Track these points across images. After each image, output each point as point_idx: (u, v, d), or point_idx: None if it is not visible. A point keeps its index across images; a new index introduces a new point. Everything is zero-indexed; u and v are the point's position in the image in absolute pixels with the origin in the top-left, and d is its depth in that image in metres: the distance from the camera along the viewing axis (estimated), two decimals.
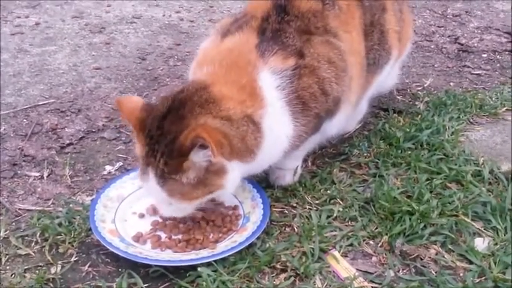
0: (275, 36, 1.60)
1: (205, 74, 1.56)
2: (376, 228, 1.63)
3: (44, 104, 2.22)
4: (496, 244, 1.56)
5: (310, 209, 1.69)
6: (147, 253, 1.49)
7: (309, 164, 1.88)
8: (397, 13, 1.91)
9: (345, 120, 1.81)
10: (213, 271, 1.46)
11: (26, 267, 1.50)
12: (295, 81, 1.57)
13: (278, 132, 1.56)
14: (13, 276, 1.47)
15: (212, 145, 1.38)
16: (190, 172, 1.43)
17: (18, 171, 1.86)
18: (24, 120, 2.12)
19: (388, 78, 2.01)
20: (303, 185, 1.77)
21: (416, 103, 2.24)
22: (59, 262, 1.51)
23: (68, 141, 2.01)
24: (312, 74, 1.59)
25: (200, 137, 1.37)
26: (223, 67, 1.55)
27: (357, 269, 1.50)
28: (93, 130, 2.08)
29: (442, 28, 2.99)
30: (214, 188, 1.48)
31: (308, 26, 1.64)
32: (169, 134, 1.42)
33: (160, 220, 1.63)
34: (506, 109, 2.19)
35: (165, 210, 1.55)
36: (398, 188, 1.74)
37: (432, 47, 2.78)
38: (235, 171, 1.50)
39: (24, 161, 1.91)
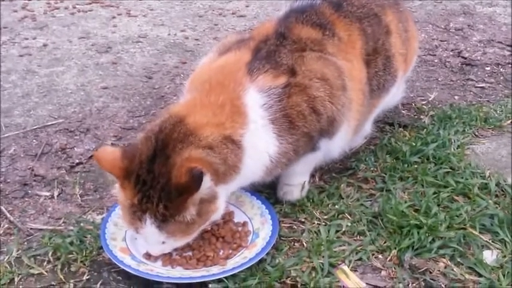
0: (269, 56, 1.62)
1: (186, 102, 1.58)
2: (385, 242, 1.64)
3: (52, 124, 2.25)
4: (505, 256, 1.57)
5: (319, 224, 1.70)
6: (158, 270, 1.51)
7: (317, 179, 1.90)
8: (403, 33, 1.93)
9: (347, 141, 1.81)
10: (223, 287, 1.47)
11: (38, 286, 1.52)
12: (284, 100, 1.57)
13: (259, 149, 1.56)
14: None
15: (206, 170, 1.40)
16: (192, 208, 1.42)
17: (29, 191, 1.88)
18: (34, 141, 2.14)
19: (394, 95, 2.02)
20: (311, 200, 1.79)
21: (422, 117, 2.26)
22: (71, 281, 1.53)
23: (77, 161, 2.03)
24: (302, 93, 1.60)
25: (192, 168, 1.38)
26: (206, 89, 1.56)
27: (366, 283, 1.51)
28: None
29: (445, 42, 3.01)
30: (210, 214, 1.49)
31: (304, 47, 1.66)
32: (162, 177, 1.41)
33: None
34: (511, 122, 2.21)
35: (157, 249, 1.53)
36: (405, 202, 1.75)
37: (436, 61, 2.80)
38: (223, 192, 1.52)
39: (34, 180, 1.93)
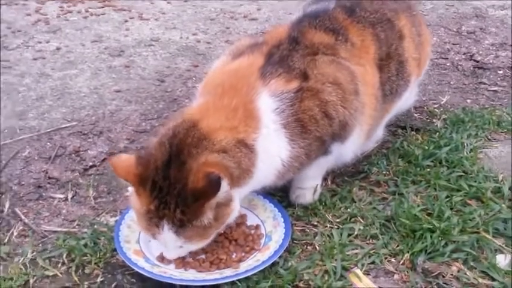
0: (282, 60, 1.63)
1: (198, 105, 1.58)
2: (398, 246, 1.64)
3: (66, 127, 2.27)
4: None
5: (331, 227, 1.71)
6: (171, 273, 1.52)
7: (329, 182, 1.90)
8: (416, 38, 1.92)
9: (360, 145, 1.81)
10: None
11: None
12: (296, 104, 1.57)
13: (272, 153, 1.56)
14: None
15: (223, 175, 1.41)
16: (209, 212, 1.43)
17: (43, 194, 1.90)
18: (48, 143, 2.16)
19: (407, 99, 2.02)
20: (323, 203, 1.79)
21: (434, 120, 2.26)
22: (86, 283, 1.54)
23: (90, 163, 2.04)
24: (314, 97, 1.60)
25: (209, 172, 1.39)
26: (219, 92, 1.56)
27: (379, 287, 1.51)
28: (115, 152, 2.10)
29: (457, 45, 3.01)
30: (226, 218, 1.50)
31: (316, 52, 1.67)
32: (178, 183, 1.41)
33: None
34: None
35: (174, 253, 1.54)
36: (418, 206, 1.75)
37: (448, 64, 2.80)
38: (238, 195, 1.52)
39: (48, 183, 1.95)
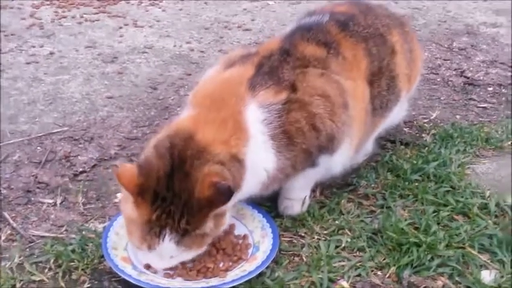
0: (272, 71, 1.63)
1: (191, 116, 1.58)
2: (384, 259, 1.65)
3: (57, 132, 2.27)
4: (502, 277, 1.58)
5: (319, 239, 1.72)
6: (158, 281, 1.52)
7: (317, 194, 1.91)
8: (407, 54, 1.94)
9: (349, 158, 1.82)
10: None
11: None
12: (283, 116, 1.58)
13: (258, 165, 1.57)
14: None
15: (230, 182, 1.43)
16: (210, 222, 1.45)
17: (32, 198, 1.89)
18: (38, 148, 2.16)
19: (397, 114, 2.04)
20: (312, 215, 1.80)
21: (423, 135, 2.28)
22: None
23: (80, 169, 2.04)
24: (301, 109, 1.60)
25: (216, 182, 1.41)
26: (209, 103, 1.57)
27: None
28: (106, 158, 2.11)
29: (448, 61, 3.03)
30: (220, 227, 1.52)
31: (307, 64, 1.68)
32: (183, 193, 1.42)
33: None
34: None
35: (164, 264, 1.53)
36: (405, 220, 1.76)
37: (438, 80, 2.82)
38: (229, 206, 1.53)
39: (38, 188, 1.94)
